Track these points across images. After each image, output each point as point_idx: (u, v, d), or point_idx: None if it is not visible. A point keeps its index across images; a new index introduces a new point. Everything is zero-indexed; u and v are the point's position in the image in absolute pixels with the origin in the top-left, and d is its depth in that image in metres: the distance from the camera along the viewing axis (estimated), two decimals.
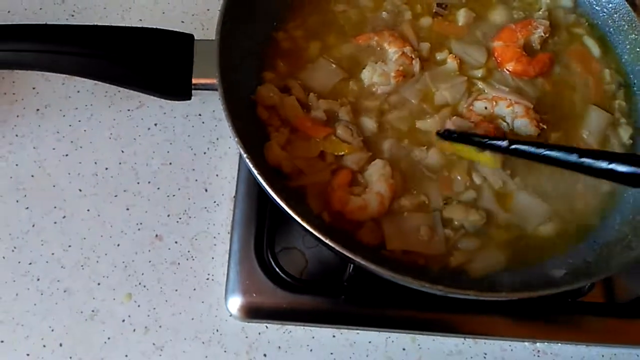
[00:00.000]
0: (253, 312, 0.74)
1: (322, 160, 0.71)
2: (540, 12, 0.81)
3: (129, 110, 0.85)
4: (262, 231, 0.76)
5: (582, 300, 0.77)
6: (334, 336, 0.75)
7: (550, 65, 0.78)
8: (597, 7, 0.82)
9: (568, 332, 0.76)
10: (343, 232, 0.69)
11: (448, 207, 0.70)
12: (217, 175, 0.81)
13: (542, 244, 0.71)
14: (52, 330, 0.73)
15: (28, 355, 0.72)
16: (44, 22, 0.71)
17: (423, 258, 0.69)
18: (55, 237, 0.77)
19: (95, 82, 0.74)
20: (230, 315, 0.74)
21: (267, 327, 0.74)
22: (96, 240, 0.77)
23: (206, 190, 0.81)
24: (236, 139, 0.64)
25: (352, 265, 0.73)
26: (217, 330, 0.74)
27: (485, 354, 0.75)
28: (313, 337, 0.74)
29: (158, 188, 0.80)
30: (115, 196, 0.80)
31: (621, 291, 0.78)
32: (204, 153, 0.82)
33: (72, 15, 0.91)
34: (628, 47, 0.80)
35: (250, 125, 0.71)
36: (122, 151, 0.82)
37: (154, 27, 0.72)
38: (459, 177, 0.71)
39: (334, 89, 0.75)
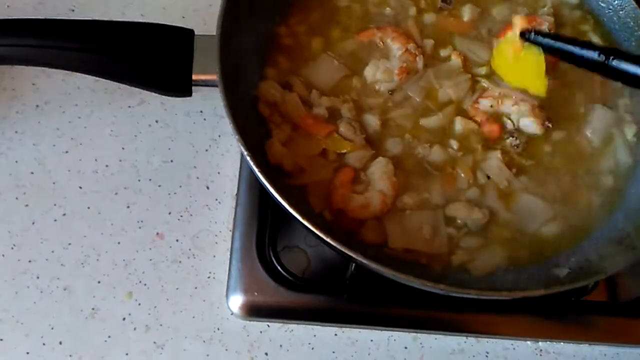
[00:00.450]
0: (255, 311, 0.73)
1: (324, 158, 0.71)
2: (545, 9, 0.80)
3: (129, 107, 0.84)
4: (264, 229, 0.76)
5: (585, 299, 0.76)
6: (335, 335, 0.74)
7: (556, 62, 0.77)
8: (602, 4, 0.81)
9: (571, 331, 0.75)
10: (345, 230, 0.68)
11: (451, 205, 0.70)
12: (218, 172, 0.81)
13: (545, 243, 0.70)
14: (52, 329, 0.72)
15: (28, 353, 0.71)
16: (44, 17, 0.70)
17: (425, 257, 0.68)
18: (55, 235, 0.77)
19: (96, 78, 0.74)
20: (232, 314, 0.74)
21: (268, 325, 0.74)
22: (96, 238, 0.77)
23: (208, 188, 0.80)
24: (237, 137, 0.63)
25: (354, 263, 0.72)
26: (219, 329, 0.74)
27: (488, 352, 0.75)
28: (315, 336, 0.74)
29: (159, 186, 0.80)
30: (116, 194, 0.79)
31: (624, 290, 0.78)
32: (206, 150, 0.82)
33: (72, 10, 0.90)
34: (634, 44, 0.79)
35: (251, 122, 0.70)
36: (123, 148, 0.81)
37: (155, 22, 0.71)
38: (462, 175, 0.71)
39: (336, 85, 0.74)
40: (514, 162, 0.72)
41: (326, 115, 0.72)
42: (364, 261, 0.60)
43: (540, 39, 0.67)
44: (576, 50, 0.64)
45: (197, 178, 0.80)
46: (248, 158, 0.63)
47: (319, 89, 0.73)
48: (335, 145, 0.71)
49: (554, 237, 0.70)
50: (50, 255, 0.76)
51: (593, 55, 0.62)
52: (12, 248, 0.76)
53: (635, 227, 0.70)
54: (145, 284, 0.75)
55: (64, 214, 0.78)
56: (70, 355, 0.72)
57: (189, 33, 0.71)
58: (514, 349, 0.75)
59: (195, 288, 0.75)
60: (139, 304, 0.74)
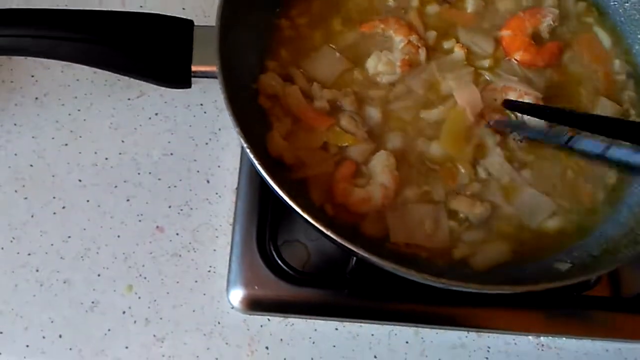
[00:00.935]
0: (255, 305, 0.73)
1: (325, 151, 0.70)
2: (550, 1, 0.79)
3: (129, 99, 0.83)
4: (265, 223, 0.75)
5: (588, 294, 0.76)
6: (336, 329, 0.74)
7: (559, 55, 0.76)
8: None
9: (572, 326, 0.75)
10: (346, 224, 0.68)
11: (453, 199, 0.69)
12: (219, 166, 0.80)
13: (547, 237, 0.70)
14: (52, 322, 0.72)
15: (27, 346, 0.71)
16: (42, 7, 0.69)
17: (427, 251, 0.68)
18: (54, 228, 0.76)
19: (95, 70, 0.73)
20: (232, 308, 0.73)
21: (269, 319, 0.74)
22: (96, 231, 0.76)
23: (208, 182, 0.80)
24: (237, 129, 0.62)
25: (355, 257, 0.72)
26: (219, 323, 0.73)
27: (489, 347, 0.74)
28: (315, 330, 0.74)
29: (159, 179, 0.79)
30: (116, 187, 0.79)
31: (627, 285, 0.77)
32: (206, 144, 0.81)
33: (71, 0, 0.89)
34: (639, 37, 0.78)
35: (251, 115, 0.70)
36: (123, 141, 0.81)
37: (154, 12, 0.71)
38: (462, 170, 0.70)
39: (338, 78, 0.74)
40: (516, 157, 0.71)
41: (327, 108, 0.71)
42: (365, 255, 0.60)
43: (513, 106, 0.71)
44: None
45: (197, 171, 0.80)
46: (248, 151, 0.62)
47: (320, 81, 0.73)
48: (337, 138, 0.70)
49: (556, 231, 0.70)
50: (50, 248, 0.75)
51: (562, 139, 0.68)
52: (12, 241, 0.76)
53: (638, 222, 0.69)
54: (145, 278, 0.75)
55: (64, 207, 0.77)
56: (70, 349, 0.71)
57: (189, 24, 0.70)
58: (515, 343, 0.75)
59: (196, 282, 0.75)
60: (139, 298, 0.74)
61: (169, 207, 0.78)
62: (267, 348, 0.73)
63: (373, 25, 0.76)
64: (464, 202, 0.69)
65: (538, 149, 0.72)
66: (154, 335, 0.72)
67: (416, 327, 0.74)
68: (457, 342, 0.74)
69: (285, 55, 0.75)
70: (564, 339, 0.75)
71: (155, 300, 0.74)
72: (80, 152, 0.80)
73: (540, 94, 0.72)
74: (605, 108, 0.74)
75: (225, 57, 0.65)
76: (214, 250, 0.76)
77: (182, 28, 0.70)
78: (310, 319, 0.74)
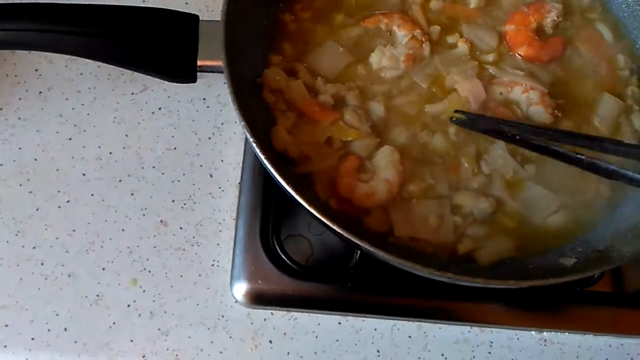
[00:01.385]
0: (258, 299, 0.73)
1: (330, 145, 0.70)
2: None
3: (132, 93, 0.83)
4: (268, 218, 0.75)
5: (591, 290, 0.76)
6: (339, 323, 0.74)
7: (563, 50, 0.76)
8: None
9: (575, 322, 0.75)
10: (350, 218, 0.68)
11: (458, 194, 0.69)
12: (222, 160, 0.80)
13: (552, 232, 0.70)
14: (57, 315, 0.72)
15: (33, 339, 0.72)
16: (46, 1, 0.69)
17: (431, 245, 0.68)
18: (59, 222, 0.76)
19: (99, 64, 0.73)
20: (236, 302, 0.74)
21: (272, 313, 0.74)
22: (100, 225, 0.76)
23: (211, 176, 0.80)
24: (242, 123, 0.63)
25: (358, 252, 0.72)
26: (223, 316, 0.74)
27: (492, 342, 0.74)
28: (319, 324, 0.74)
29: (163, 173, 0.79)
30: (120, 181, 0.79)
31: (630, 281, 0.78)
32: (209, 138, 0.81)
33: None
34: None
35: (256, 110, 0.70)
36: (126, 135, 0.81)
37: (159, 7, 0.71)
38: (466, 165, 0.70)
39: (341, 72, 0.74)
40: (519, 151, 0.71)
41: (331, 103, 0.71)
42: (371, 249, 0.60)
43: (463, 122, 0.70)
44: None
45: (201, 166, 0.80)
46: (254, 145, 0.62)
47: (324, 76, 0.73)
48: (341, 133, 0.70)
49: (560, 226, 0.70)
50: (55, 242, 0.76)
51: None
52: (17, 235, 0.76)
53: None
54: (149, 271, 0.75)
55: (68, 201, 0.77)
56: (74, 342, 0.72)
57: (194, 18, 0.70)
58: (518, 339, 0.75)
59: (199, 275, 0.75)
60: (144, 291, 0.74)
61: (173, 201, 0.78)
62: (270, 342, 0.73)
63: (377, 20, 0.76)
64: (468, 196, 0.69)
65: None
66: (159, 329, 0.73)
67: (419, 321, 0.75)
68: (460, 337, 0.74)
69: (289, 50, 0.75)
70: (567, 334, 0.75)
71: (159, 294, 0.74)
72: (84, 146, 0.80)
73: (545, 88, 0.72)
74: (608, 104, 0.74)
75: (230, 52, 0.65)
76: (218, 244, 0.77)
77: (187, 23, 0.70)
78: (313, 313, 0.74)
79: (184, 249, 0.76)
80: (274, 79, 0.72)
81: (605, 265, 0.65)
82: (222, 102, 0.83)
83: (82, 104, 0.82)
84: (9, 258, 0.75)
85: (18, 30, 0.67)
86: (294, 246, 0.76)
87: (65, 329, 0.72)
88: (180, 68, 0.70)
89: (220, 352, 0.72)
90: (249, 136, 0.62)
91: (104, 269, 0.75)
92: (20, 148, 0.80)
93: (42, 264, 0.74)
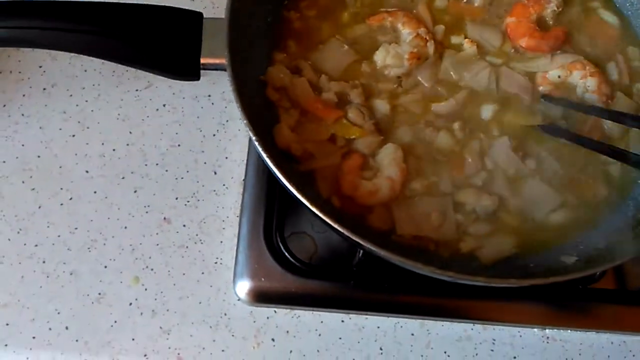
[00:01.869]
0: (261, 297, 0.73)
1: (333, 143, 0.70)
2: None
3: (137, 90, 0.83)
4: (272, 215, 0.75)
5: (593, 287, 0.76)
6: (342, 321, 0.74)
7: (564, 39, 0.76)
8: None
9: (578, 319, 0.75)
10: (353, 216, 0.68)
11: (460, 192, 0.69)
12: (226, 158, 0.80)
13: (553, 230, 0.70)
14: (59, 313, 0.72)
15: (34, 338, 0.71)
16: None
17: (433, 243, 0.68)
18: (61, 219, 0.76)
19: (103, 61, 0.73)
20: (239, 300, 0.74)
21: (275, 311, 0.74)
22: (103, 223, 0.76)
23: (215, 173, 0.80)
24: (245, 121, 0.63)
25: (361, 250, 0.72)
26: (225, 315, 0.73)
27: (494, 339, 0.74)
28: (322, 322, 0.74)
29: (166, 170, 0.79)
30: (123, 178, 0.79)
31: (632, 278, 0.78)
32: (213, 135, 0.81)
33: None
34: None
35: (259, 107, 0.70)
36: (130, 132, 0.81)
37: (162, 4, 0.71)
38: (469, 160, 0.70)
39: (345, 70, 0.74)
40: (521, 147, 0.71)
41: (335, 100, 0.71)
42: (372, 247, 0.60)
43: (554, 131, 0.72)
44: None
45: (205, 163, 0.80)
46: (256, 143, 0.62)
47: (328, 73, 0.73)
48: (344, 130, 0.70)
49: (562, 224, 0.70)
50: (57, 240, 0.75)
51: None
52: (19, 232, 0.76)
53: None
54: (152, 269, 0.75)
55: (71, 198, 0.77)
56: (76, 340, 0.71)
57: (198, 16, 0.70)
58: (520, 336, 0.75)
59: (202, 273, 0.75)
60: (146, 289, 0.74)
61: (176, 198, 0.78)
62: (273, 340, 0.73)
63: (381, 18, 0.76)
64: (471, 194, 0.69)
65: (546, 140, 0.72)
66: (161, 327, 0.72)
67: (422, 319, 0.75)
68: (462, 335, 0.74)
69: (294, 48, 0.75)
70: (569, 331, 0.75)
71: (161, 292, 0.74)
72: (87, 143, 0.80)
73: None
74: (620, 103, 0.74)
75: (234, 50, 0.65)
76: (221, 242, 0.76)
77: (191, 20, 0.70)
78: (316, 311, 0.74)
79: (187, 247, 0.76)
80: (277, 77, 0.72)
81: (606, 263, 0.65)
82: (227, 99, 0.83)
83: (86, 101, 0.82)
84: (10, 256, 0.74)
85: (21, 28, 0.67)
86: (298, 244, 0.76)
87: (67, 328, 0.72)
88: (183, 66, 0.70)
89: (223, 351, 0.72)
90: (251, 134, 0.62)
91: (106, 266, 0.75)
92: (23, 145, 0.80)
93: (44, 261, 0.74)
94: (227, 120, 0.82)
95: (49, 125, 0.81)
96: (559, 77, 0.74)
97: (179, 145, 0.81)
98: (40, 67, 0.84)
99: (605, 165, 0.72)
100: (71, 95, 0.82)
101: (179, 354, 0.72)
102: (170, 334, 0.72)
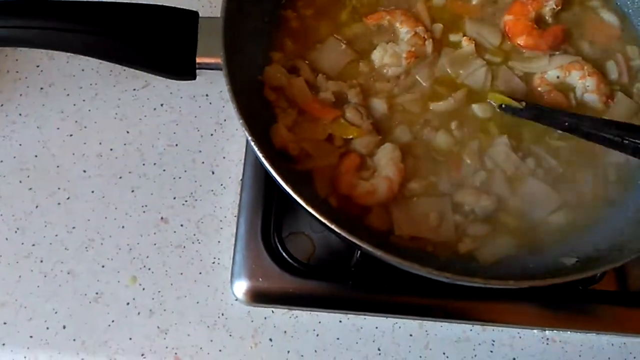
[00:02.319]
0: (259, 297, 0.73)
1: (330, 143, 0.70)
2: None
3: (134, 89, 0.83)
4: (269, 215, 0.75)
5: (594, 288, 0.75)
6: (340, 321, 0.74)
7: (563, 38, 0.75)
8: None
9: (578, 320, 0.75)
10: (350, 216, 0.68)
11: (459, 192, 0.69)
12: (223, 157, 0.80)
13: (553, 231, 0.69)
14: (56, 313, 0.72)
15: (31, 337, 0.71)
16: None
17: (431, 244, 0.68)
18: (59, 219, 0.76)
19: (100, 61, 0.73)
20: (236, 300, 0.73)
21: (273, 311, 0.74)
22: (100, 222, 0.76)
23: (213, 173, 0.79)
24: (241, 121, 0.62)
25: (359, 250, 0.72)
26: (223, 314, 0.73)
27: (494, 341, 0.74)
28: (319, 322, 0.74)
29: (164, 170, 0.79)
30: (120, 177, 0.79)
31: (633, 279, 0.77)
32: (211, 135, 0.81)
33: None
34: None
35: (256, 107, 0.69)
36: (128, 132, 0.81)
37: (158, 3, 0.70)
38: (468, 161, 0.70)
39: (343, 70, 0.73)
40: (521, 147, 0.71)
41: (333, 100, 0.71)
42: (369, 248, 0.59)
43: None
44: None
45: (202, 163, 0.80)
46: (252, 143, 0.62)
47: (325, 73, 0.72)
48: (342, 130, 0.70)
49: (561, 225, 0.69)
50: (54, 239, 0.75)
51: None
52: (16, 231, 0.76)
53: None
54: (149, 269, 0.75)
55: (68, 198, 0.77)
56: (73, 339, 0.72)
57: (194, 15, 0.70)
58: (520, 337, 0.74)
59: (200, 273, 0.75)
60: (143, 289, 0.74)
61: (174, 198, 0.78)
62: (270, 340, 0.73)
63: (379, 16, 0.75)
64: (469, 194, 0.68)
65: (547, 139, 0.72)
66: (158, 327, 0.72)
67: (420, 320, 0.74)
68: (461, 336, 0.74)
69: (291, 47, 0.74)
70: (569, 332, 0.75)
71: (159, 292, 0.74)
72: (85, 143, 0.80)
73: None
74: (622, 103, 0.73)
75: (230, 49, 0.65)
76: (219, 241, 0.76)
77: (187, 19, 0.69)
78: (314, 311, 0.74)
79: (184, 247, 0.76)
80: (274, 76, 0.71)
81: (606, 265, 0.65)
82: (225, 99, 0.83)
83: (84, 100, 0.82)
84: (8, 255, 0.75)
85: (17, 28, 0.67)
86: (296, 244, 0.76)
87: (64, 327, 0.72)
88: (179, 65, 0.69)
89: (220, 351, 0.72)
90: (247, 134, 0.62)
91: (103, 266, 0.75)
92: (20, 144, 0.80)
93: (42, 261, 0.74)
94: (225, 120, 0.82)
95: (47, 124, 0.81)
96: (557, 77, 0.73)
97: (176, 144, 0.80)
98: (38, 66, 0.84)
99: (605, 165, 0.72)
100: (68, 95, 0.82)
101: (176, 353, 0.72)
102: (167, 333, 0.72)
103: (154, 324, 0.72)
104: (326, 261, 0.76)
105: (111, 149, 0.80)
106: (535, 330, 0.75)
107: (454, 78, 0.73)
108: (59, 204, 0.77)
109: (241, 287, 0.73)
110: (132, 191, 0.78)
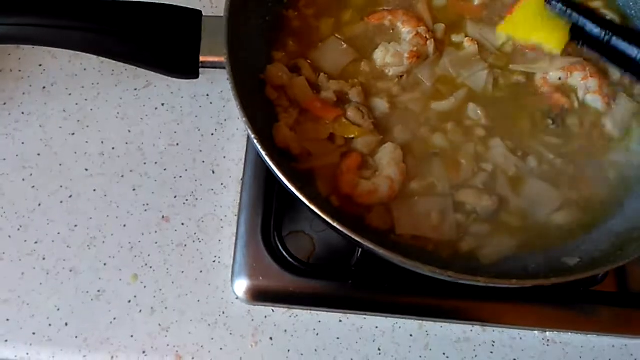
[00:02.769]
0: (259, 296, 0.73)
1: (332, 142, 0.70)
2: None
3: (136, 89, 0.83)
4: (270, 214, 0.75)
5: (595, 289, 0.75)
6: (340, 321, 0.74)
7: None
8: None
9: (579, 322, 0.74)
10: (352, 216, 0.68)
11: (460, 191, 0.69)
12: (224, 157, 0.80)
13: (555, 231, 0.69)
14: (58, 310, 0.73)
15: (34, 334, 0.72)
16: None
17: (433, 243, 0.68)
18: (61, 217, 0.76)
19: (102, 60, 0.73)
20: (237, 298, 0.73)
21: (273, 310, 0.74)
22: (102, 221, 0.77)
23: (213, 172, 0.80)
24: (244, 119, 0.62)
25: (360, 250, 0.72)
26: (223, 313, 0.73)
27: (494, 341, 0.74)
28: (319, 322, 0.74)
29: (165, 169, 0.79)
30: (122, 176, 0.79)
31: (635, 280, 0.77)
32: (212, 134, 0.81)
33: None
34: None
35: (258, 106, 0.69)
36: (129, 131, 0.81)
37: (161, 2, 0.71)
38: (463, 162, 0.70)
39: (345, 69, 0.73)
40: (522, 145, 0.71)
41: (334, 99, 0.71)
42: (372, 247, 0.59)
43: (560, 6, 0.70)
44: (587, 24, 0.68)
45: (203, 162, 0.80)
46: (255, 141, 0.62)
47: (327, 72, 0.73)
48: (343, 130, 0.70)
49: (564, 225, 0.69)
50: (57, 237, 0.76)
51: (597, 33, 0.66)
52: (19, 229, 0.76)
53: None
54: (150, 267, 0.75)
55: (70, 196, 0.78)
56: (75, 337, 0.72)
57: (197, 14, 0.70)
58: (520, 338, 0.74)
59: (201, 272, 0.75)
60: (145, 287, 0.74)
61: (175, 197, 0.78)
62: (271, 339, 0.73)
63: (381, 16, 0.75)
64: (471, 194, 0.68)
65: (544, 141, 0.72)
66: (159, 325, 0.73)
67: (421, 320, 0.74)
68: (461, 336, 0.74)
69: (293, 46, 0.74)
70: (570, 334, 0.74)
71: (160, 290, 0.74)
72: (87, 142, 0.80)
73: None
74: (623, 104, 0.73)
75: (233, 48, 0.65)
76: (219, 240, 0.76)
77: (190, 18, 0.70)
78: (314, 310, 0.74)
79: (185, 245, 0.76)
80: (276, 76, 0.71)
81: (609, 264, 0.64)
82: (225, 98, 0.83)
83: (86, 100, 0.83)
84: (10, 252, 0.75)
85: (20, 25, 0.67)
86: (296, 243, 0.76)
87: (66, 324, 0.72)
88: (182, 64, 0.70)
89: (221, 349, 0.72)
90: (250, 132, 0.62)
91: (105, 264, 0.75)
92: (23, 143, 0.80)
93: (44, 258, 0.75)
94: (226, 120, 0.82)
95: (49, 123, 0.81)
96: (559, 78, 0.73)
97: (177, 144, 0.81)
98: (40, 65, 0.84)
99: (607, 164, 0.72)
100: (71, 94, 0.83)
101: (177, 351, 0.72)
102: (169, 331, 0.72)
103: (155, 322, 0.73)
104: (326, 260, 0.76)
105: (113, 148, 0.80)
106: (535, 331, 0.74)
107: (454, 78, 0.73)
108: (61, 202, 0.77)
109: (242, 285, 0.73)
110: (134, 190, 0.78)
